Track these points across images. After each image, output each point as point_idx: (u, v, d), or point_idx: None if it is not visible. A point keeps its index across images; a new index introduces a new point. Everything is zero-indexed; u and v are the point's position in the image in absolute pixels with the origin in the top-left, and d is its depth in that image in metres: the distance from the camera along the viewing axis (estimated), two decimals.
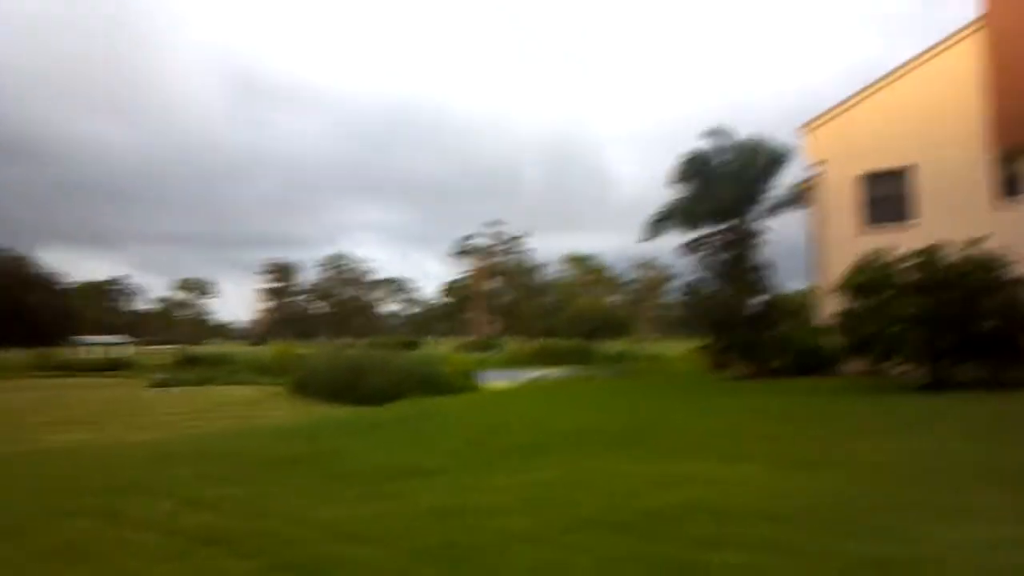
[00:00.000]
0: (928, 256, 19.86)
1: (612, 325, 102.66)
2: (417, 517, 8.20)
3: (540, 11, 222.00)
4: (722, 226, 27.72)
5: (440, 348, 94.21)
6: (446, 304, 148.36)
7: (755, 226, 27.77)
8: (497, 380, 39.17)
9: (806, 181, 28.37)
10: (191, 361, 64.06)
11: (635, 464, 10.99)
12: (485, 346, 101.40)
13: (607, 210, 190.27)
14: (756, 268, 27.72)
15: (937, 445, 11.60)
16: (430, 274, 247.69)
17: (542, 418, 17.35)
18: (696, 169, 28.49)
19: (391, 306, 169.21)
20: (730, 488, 9.16)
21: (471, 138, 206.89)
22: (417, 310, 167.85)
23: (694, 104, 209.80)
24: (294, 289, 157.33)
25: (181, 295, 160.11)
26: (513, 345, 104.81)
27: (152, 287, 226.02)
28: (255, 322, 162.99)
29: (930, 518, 7.50)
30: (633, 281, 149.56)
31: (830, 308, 23.67)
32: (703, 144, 28.70)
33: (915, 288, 19.46)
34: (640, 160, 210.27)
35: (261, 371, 51.51)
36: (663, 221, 29.05)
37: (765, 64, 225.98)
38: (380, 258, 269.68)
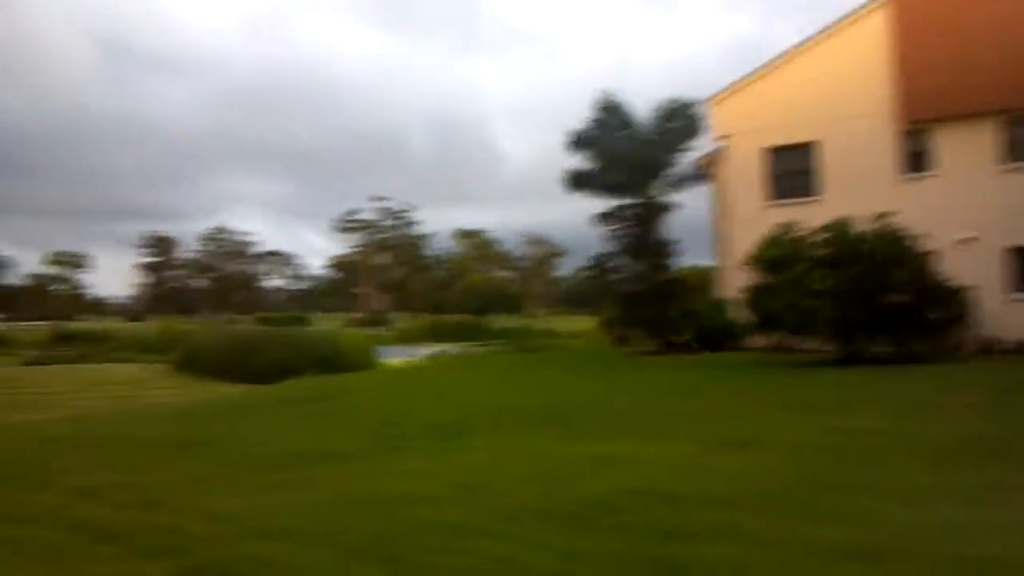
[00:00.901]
0: (838, 230, 19.79)
1: (503, 300, 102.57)
2: (339, 508, 7.45)
3: None
4: (627, 199, 27.29)
5: (328, 324, 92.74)
6: (333, 279, 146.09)
7: (662, 199, 27.43)
8: (394, 357, 38.41)
9: (710, 155, 28.13)
10: (67, 338, 61.36)
11: (560, 445, 10.43)
12: (375, 322, 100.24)
13: (495, 184, 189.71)
14: (662, 242, 27.43)
15: (864, 422, 11.34)
16: (315, 248, 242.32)
17: (453, 396, 16.74)
18: (595, 138, 27.88)
19: (275, 281, 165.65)
20: (667, 471, 8.67)
21: (355, 108, 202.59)
22: (303, 285, 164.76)
23: (577, 78, 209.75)
24: (173, 263, 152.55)
25: (54, 269, 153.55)
26: (404, 321, 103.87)
27: (23, 261, 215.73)
28: (133, 297, 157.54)
29: (885, 499, 7.11)
30: (522, 257, 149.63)
31: (735, 283, 23.55)
32: (601, 113, 28.10)
33: (826, 262, 19.40)
34: (527, 134, 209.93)
35: (142, 348, 49.73)
36: (573, 185, 28.48)
37: (646, 38, 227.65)
38: (262, 231, 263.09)
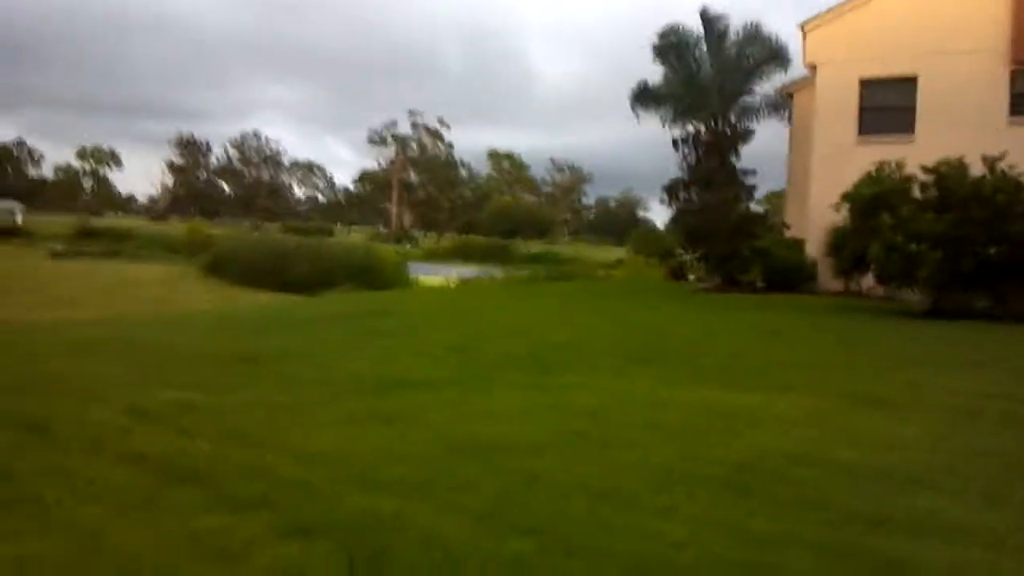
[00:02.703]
0: (950, 170, 18.18)
1: (530, 225, 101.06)
2: (447, 454, 6.29)
3: None
4: (700, 122, 25.52)
5: (353, 237, 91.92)
6: (359, 192, 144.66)
7: (741, 127, 25.70)
8: (429, 275, 37.38)
9: (797, 83, 26.36)
10: (91, 233, 60.47)
11: (670, 390, 9.22)
12: (400, 238, 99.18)
13: (528, 106, 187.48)
14: (739, 173, 25.80)
15: (1010, 386, 10.08)
16: (340, 159, 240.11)
17: (519, 323, 15.45)
18: (677, 48, 25.98)
19: (300, 191, 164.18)
20: (813, 431, 7.46)
21: (388, 17, 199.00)
22: (328, 197, 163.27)
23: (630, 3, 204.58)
24: (201, 165, 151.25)
25: (83, 164, 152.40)
26: (429, 239, 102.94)
27: (49, 154, 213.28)
28: (157, 197, 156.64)
29: None
30: (550, 182, 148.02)
31: (815, 221, 22.16)
32: (687, 25, 26.14)
33: (933, 205, 17.89)
34: (565, 58, 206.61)
35: (169, 248, 49.14)
36: (643, 99, 26.72)
37: None
38: (290, 139, 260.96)
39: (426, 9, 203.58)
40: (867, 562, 4.44)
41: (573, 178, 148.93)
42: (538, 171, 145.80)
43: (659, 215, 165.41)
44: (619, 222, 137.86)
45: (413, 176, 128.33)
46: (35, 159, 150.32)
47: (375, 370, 10.09)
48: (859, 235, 18.39)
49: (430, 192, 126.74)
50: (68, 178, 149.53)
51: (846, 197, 19.04)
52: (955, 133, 22.07)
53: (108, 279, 28.03)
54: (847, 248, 18.96)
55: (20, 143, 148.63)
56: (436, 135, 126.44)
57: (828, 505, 5.34)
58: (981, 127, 22.39)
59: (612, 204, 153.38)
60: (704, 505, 5.31)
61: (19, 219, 69.47)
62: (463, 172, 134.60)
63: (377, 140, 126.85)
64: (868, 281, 19.97)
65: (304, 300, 22.69)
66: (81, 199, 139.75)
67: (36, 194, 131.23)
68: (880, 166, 19.09)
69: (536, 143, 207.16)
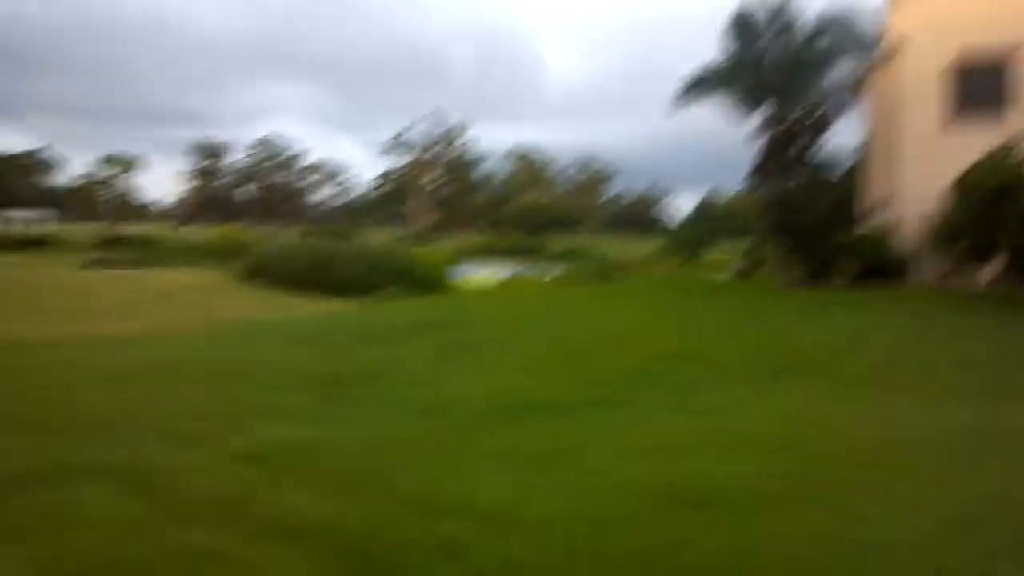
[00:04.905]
0: None
1: (557, 221, 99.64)
2: (658, 510, 4.98)
3: None
4: (771, 107, 23.68)
5: (377, 239, 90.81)
6: (380, 194, 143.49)
7: (828, 113, 23.89)
8: (467, 275, 36.19)
9: (875, 65, 24.58)
10: (118, 241, 59.65)
11: (854, 404, 7.91)
12: (425, 239, 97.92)
13: (545, 101, 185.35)
14: (826, 162, 24.08)
15: None
16: (357, 161, 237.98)
17: (608, 329, 13.78)
18: (746, 30, 24.13)
19: (320, 193, 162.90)
20: None
21: (400, 17, 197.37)
22: (348, 199, 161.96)
23: None
24: (221, 170, 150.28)
25: (106, 170, 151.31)
26: (453, 239, 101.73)
27: (66, 162, 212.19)
28: (178, 204, 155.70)
29: None
30: (573, 177, 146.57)
31: (911, 208, 20.51)
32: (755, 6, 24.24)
33: None
34: (578, 51, 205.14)
35: (200, 254, 48.37)
36: (698, 87, 24.89)
37: None
38: (305, 142, 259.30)
39: (439, 8, 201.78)
40: None
41: (597, 173, 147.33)
42: (560, 165, 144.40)
43: (683, 209, 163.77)
44: (642, 216, 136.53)
45: (434, 177, 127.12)
46: (54, 167, 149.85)
47: (487, 391, 8.81)
48: (979, 225, 16.81)
49: (451, 192, 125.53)
50: (88, 186, 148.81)
51: (962, 184, 17.43)
52: None
53: (147, 288, 26.83)
54: (966, 238, 17.34)
55: (36, 151, 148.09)
56: (456, 134, 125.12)
57: None
58: None
59: (634, 197, 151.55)
60: None
61: (49, 228, 68.68)
62: (484, 170, 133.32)
63: (397, 143, 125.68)
64: (986, 273, 18.30)
65: (360, 307, 21.40)
66: (102, 207, 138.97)
67: (58, 202, 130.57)
68: (995, 152, 17.49)
69: (557, 137, 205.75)
